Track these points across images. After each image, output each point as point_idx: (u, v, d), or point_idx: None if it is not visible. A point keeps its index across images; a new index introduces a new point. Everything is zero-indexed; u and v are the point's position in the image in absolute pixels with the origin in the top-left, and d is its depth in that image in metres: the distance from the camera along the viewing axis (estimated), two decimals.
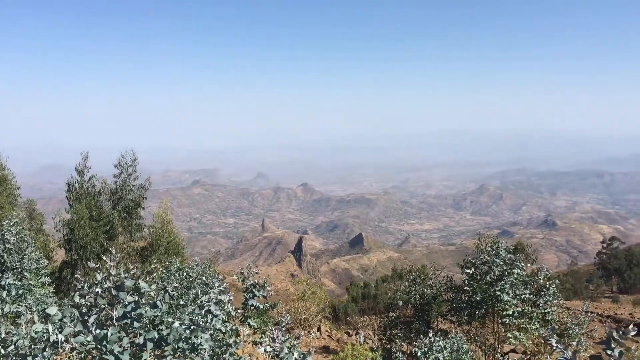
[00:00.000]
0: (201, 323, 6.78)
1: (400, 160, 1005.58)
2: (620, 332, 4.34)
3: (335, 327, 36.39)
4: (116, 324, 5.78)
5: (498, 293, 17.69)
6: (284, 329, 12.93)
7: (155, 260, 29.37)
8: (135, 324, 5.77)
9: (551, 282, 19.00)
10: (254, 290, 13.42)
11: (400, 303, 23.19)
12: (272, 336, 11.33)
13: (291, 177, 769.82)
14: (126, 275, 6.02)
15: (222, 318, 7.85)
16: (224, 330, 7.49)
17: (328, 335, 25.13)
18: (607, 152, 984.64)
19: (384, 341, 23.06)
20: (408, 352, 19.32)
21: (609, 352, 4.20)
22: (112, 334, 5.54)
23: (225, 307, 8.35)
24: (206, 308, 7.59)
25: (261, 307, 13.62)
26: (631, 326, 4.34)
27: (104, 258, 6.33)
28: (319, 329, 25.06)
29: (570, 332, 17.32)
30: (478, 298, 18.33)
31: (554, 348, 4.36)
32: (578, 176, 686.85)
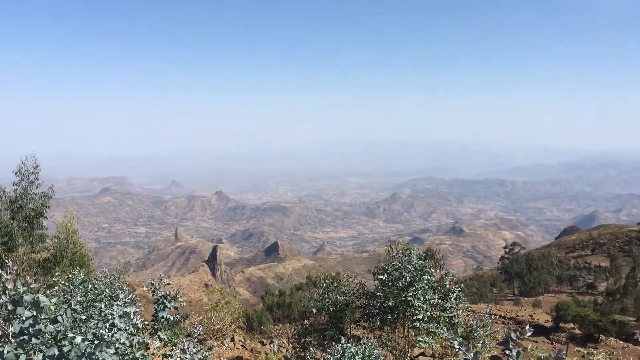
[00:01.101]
0: (106, 337, 6.49)
1: (316, 169, 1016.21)
2: (518, 333, 4.59)
3: (249, 336, 36.04)
4: (13, 340, 5.44)
5: (409, 298, 18.17)
6: (196, 340, 12.65)
7: (58, 273, 27.87)
8: (34, 340, 5.45)
9: (456, 286, 19.77)
10: (164, 301, 13.03)
11: (314, 311, 23.31)
12: (183, 348, 11.05)
13: (205, 185, 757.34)
14: (25, 289, 5.68)
15: (129, 331, 7.56)
16: (129, 344, 7.19)
17: (242, 345, 24.82)
18: (510, 163, 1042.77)
19: (297, 349, 23.09)
20: (321, 359, 19.44)
21: (507, 352, 4.43)
22: (8, 352, 5.21)
23: (132, 320, 8.05)
24: (111, 321, 7.28)
25: (172, 318, 13.25)
26: (527, 327, 4.60)
27: (0, 271, 5.94)
28: (232, 339, 24.69)
29: (475, 334, 18.09)
30: (390, 304, 18.74)
31: (457, 350, 4.54)
32: (483, 185, 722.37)
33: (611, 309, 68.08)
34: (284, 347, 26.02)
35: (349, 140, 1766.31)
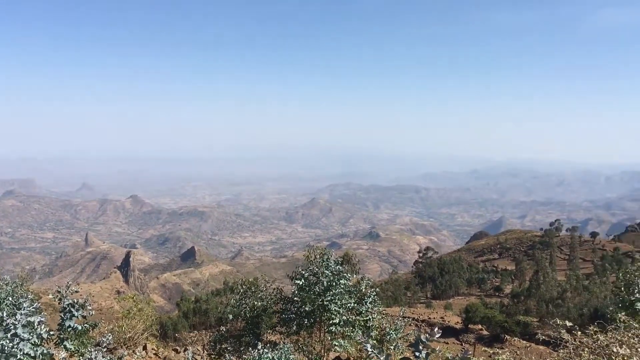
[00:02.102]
0: (6, 349, 6.12)
1: (234, 174, 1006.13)
2: (427, 335, 4.76)
3: (163, 344, 35.08)
4: None
5: (326, 303, 18.35)
6: (104, 349, 12.17)
7: None
8: None
9: (372, 290, 20.18)
10: (72, 310, 12.46)
11: (231, 317, 23.06)
12: (90, 358, 10.60)
13: (119, 188, 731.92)
14: None
15: (33, 342, 7.17)
16: (33, 355, 6.83)
17: (155, 354, 24.11)
18: (424, 170, 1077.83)
19: (213, 356, 22.73)
20: None
21: (417, 354, 4.58)
22: None
23: (37, 330, 7.64)
24: (13, 331, 6.87)
25: (80, 327, 12.68)
26: (436, 329, 4.78)
27: None
28: (144, 348, 23.93)
29: (389, 337, 18.53)
30: (307, 308, 18.85)
31: (369, 353, 4.65)
32: (399, 191, 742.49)
33: (516, 310, 71.88)
34: (198, 355, 25.52)
35: (266, 144, 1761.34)
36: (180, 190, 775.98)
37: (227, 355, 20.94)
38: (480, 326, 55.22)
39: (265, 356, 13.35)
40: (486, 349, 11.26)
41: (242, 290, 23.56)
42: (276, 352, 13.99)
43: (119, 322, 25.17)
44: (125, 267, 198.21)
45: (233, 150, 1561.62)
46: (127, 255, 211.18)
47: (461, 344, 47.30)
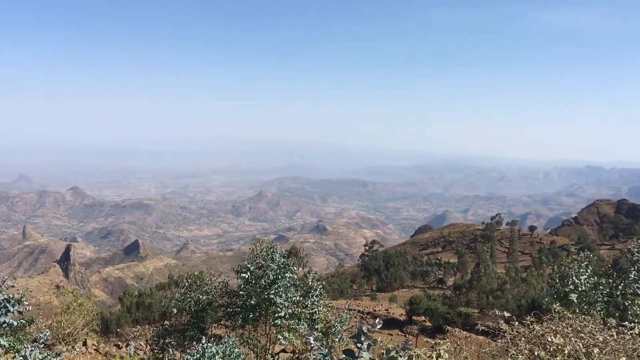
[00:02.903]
0: None
1: (180, 166, 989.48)
2: (369, 327, 4.82)
3: (104, 340, 34.28)
4: None
5: (272, 296, 18.34)
6: (42, 345, 11.79)
7: None
8: None
9: (318, 283, 20.30)
10: (7, 305, 12.01)
11: (175, 311, 22.74)
12: (26, 355, 10.25)
13: (59, 180, 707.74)
14: None
15: None
16: None
17: (95, 349, 23.52)
18: (371, 164, 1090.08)
19: (156, 351, 22.35)
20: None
21: (359, 345, 4.63)
22: None
23: None
24: None
25: (16, 323, 12.23)
26: (378, 320, 4.84)
27: None
28: (84, 343, 23.31)
29: (334, 329, 18.69)
30: (253, 302, 18.79)
31: (312, 345, 4.67)
32: (346, 185, 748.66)
33: (458, 302, 73.79)
34: (141, 350, 25.08)
35: (214, 137, 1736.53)
36: (123, 183, 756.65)
37: (170, 350, 20.66)
38: (423, 318, 56.44)
39: (210, 350, 13.24)
40: (428, 339, 11.53)
41: (187, 284, 23.26)
42: (221, 345, 13.89)
43: (58, 318, 24.44)
44: (65, 261, 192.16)
45: (179, 142, 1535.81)
46: (67, 248, 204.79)
47: (405, 335, 48.21)
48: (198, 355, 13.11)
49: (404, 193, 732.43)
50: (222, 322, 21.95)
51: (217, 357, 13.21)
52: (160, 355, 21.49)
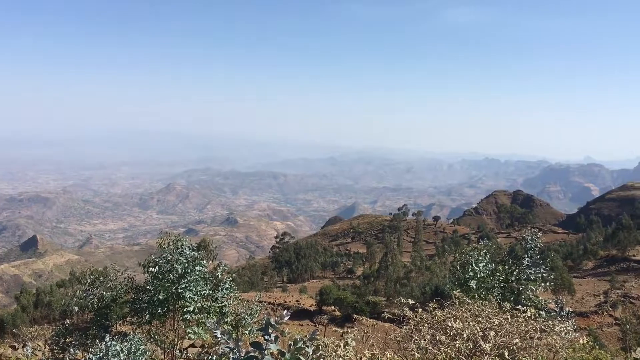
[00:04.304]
0: None
1: (82, 157, 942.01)
2: (277, 318, 4.84)
3: None
4: None
5: (180, 290, 17.97)
6: None
7: None
8: None
9: (228, 276, 20.12)
10: None
11: (76, 309, 21.76)
12: None
13: None
14: None
15: None
16: None
17: None
18: (284, 157, 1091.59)
19: (56, 351, 21.30)
20: (83, 359, 18.22)
21: (266, 337, 4.64)
22: None
23: None
24: None
25: None
26: (285, 312, 4.88)
27: None
28: None
29: (244, 322, 18.62)
30: (161, 297, 18.32)
31: (219, 339, 4.62)
32: (257, 177, 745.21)
33: (366, 291, 75.67)
34: (39, 350, 23.83)
35: (118, 128, 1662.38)
36: (19, 175, 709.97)
37: (72, 349, 19.77)
38: (333, 307, 57.41)
39: (114, 349, 12.78)
40: (337, 329, 11.74)
41: (89, 281, 22.31)
42: (126, 343, 13.46)
43: None
44: None
45: (82, 132, 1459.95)
46: None
47: (315, 325, 48.87)
48: (101, 354, 12.62)
49: (315, 185, 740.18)
50: (127, 319, 21.24)
51: (121, 355, 12.78)
52: (61, 356, 20.52)
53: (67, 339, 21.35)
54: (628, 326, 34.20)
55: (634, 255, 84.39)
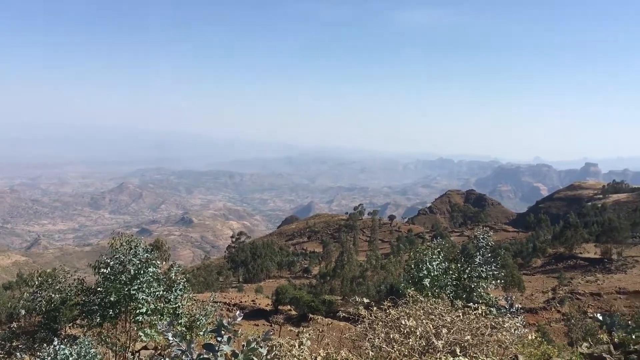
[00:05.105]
0: None
1: (29, 155, 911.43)
2: (230, 319, 4.80)
3: None
4: None
5: (133, 292, 17.63)
6: None
7: None
8: None
9: (182, 277, 19.84)
10: None
11: (23, 312, 21.07)
12: None
13: None
14: None
15: None
16: None
17: None
18: (240, 156, 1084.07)
19: (2, 355, 20.58)
20: None
21: (219, 338, 4.59)
22: None
23: None
24: None
25: None
26: (238, 312, 4.84)
27: None
28: None
29: (198, 323, 18.41)
30: (112, 299, 17.94)
31: (170, 342, 4.55)
32: (212, 176, 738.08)
33: (322, 290, 75.93)
34: None
35: (69, 126, 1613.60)
36: None
37: (18, 353, 19.13)
38: (289, 307, 57.33)
39: (62, 352, 12.44)
40: (293, 328, 11.75)
41: (37, 283, 21.63)
42: (75, 346, 13.13)
43: None
44: None
45: (30, 130, 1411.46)
46: None
47: (270, 325, 48.71)
48: (49, 358, 12.27)
49: (271, 184, 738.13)
50: (78, 322, 20.69)
51: (70, 358, 12.45)
52: None
53: (14, 343, 20.67)
54: (573, 321, 35.41)
55: (580, 253, 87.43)
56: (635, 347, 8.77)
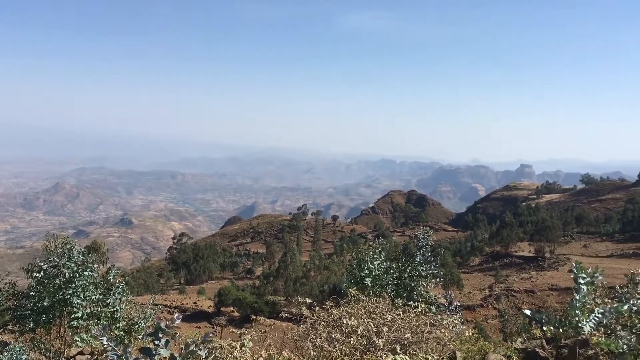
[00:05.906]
0: None
1: None
2: (168, 322, 4.70)
3: None
4: None
5: (68, 296, 17.07)
6: None
7: None
8: None
9: (121, 280, 19.34)
10: None
11: None
12: None
13: None
14: None
15: None
16: None
17: None
18: (178, 155, 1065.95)
19: None
20: None
21: (156, 342, 4.49)
22: None
23: None
24: None
25: None
26: (176, 315, 4.75)
27: None
28: None
29: (137, 326, 17.98)
30: (46, 303, 17.30)
31: (105, 346, 4.42)
32: (154, 176, 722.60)
33: (265, 291, 75.63)
34: None
35: (2, 123, 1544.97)
36: None
37: None
38: (232, 308, 56.81)
39: None
40: (235, 330, 11.63)
41: None
42: (6, 353, 12.60)
43: None
44: None
45: None
46: None
47: (213, 327, 48.12)
48: None
49: (214, 184, 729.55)
50: (9, 327, 19.82)
51: None
52: None
53: None
54: (506, 316, 36.60)
55: (515, 251, 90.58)
56: (566, 341, 9.17)
